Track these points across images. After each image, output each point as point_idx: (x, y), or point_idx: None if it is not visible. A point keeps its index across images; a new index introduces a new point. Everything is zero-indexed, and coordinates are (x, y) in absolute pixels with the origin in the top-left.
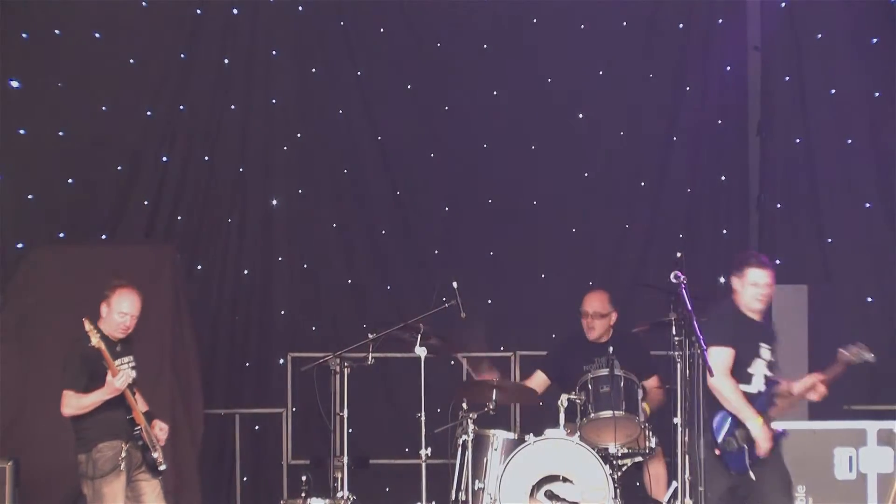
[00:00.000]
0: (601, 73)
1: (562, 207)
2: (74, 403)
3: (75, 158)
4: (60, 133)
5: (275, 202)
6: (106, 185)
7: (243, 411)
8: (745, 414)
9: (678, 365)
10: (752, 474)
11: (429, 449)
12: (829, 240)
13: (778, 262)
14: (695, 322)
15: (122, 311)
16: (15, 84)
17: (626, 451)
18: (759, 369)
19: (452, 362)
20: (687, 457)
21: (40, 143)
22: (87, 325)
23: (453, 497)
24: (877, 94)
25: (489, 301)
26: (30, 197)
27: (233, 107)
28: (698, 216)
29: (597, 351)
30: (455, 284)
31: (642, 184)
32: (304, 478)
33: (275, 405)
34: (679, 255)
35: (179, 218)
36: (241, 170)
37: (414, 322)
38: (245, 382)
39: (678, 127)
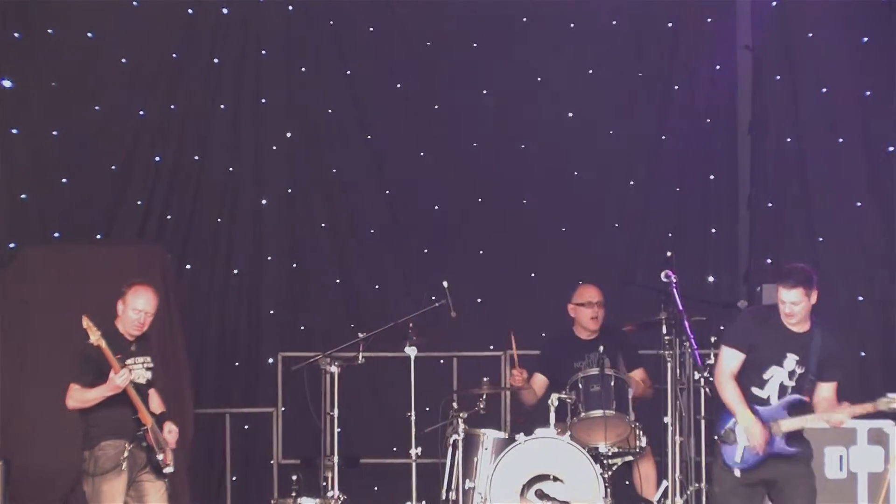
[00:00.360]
0: (591, 72)
1: (551, 206)
2: (77, 396)
3: (69, 158)
4: (54, 133)
5: (264, 202)
6: (100, 185)
7: (233, 411)
8: (736, 409)
9: (668, 364)
10: (736, 472)
11: (419, 448)
12: (820, 239)
13: (769, 261)
14: (685, 321)
15: (136, 308)
16: (8, 84)
17: (616, 450)
18: (775, 377)
19: (442, 361)
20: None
21: (34, 143)
22: (86, 323)
23: (443, 497)
24: (868, 94)
25: (479, 300)
26: (23, 197)
27: (222, 107)
28: (687, 215)
29: (587, 349)
30: (445, 284)
31: (631, 183)
32: (294, 477)
33: (264, 405)
34: (669, 254)
35: (169, 217)
36: (230, 169)
37: (404, 321)
38: (234, 382)
39: (667, 126)
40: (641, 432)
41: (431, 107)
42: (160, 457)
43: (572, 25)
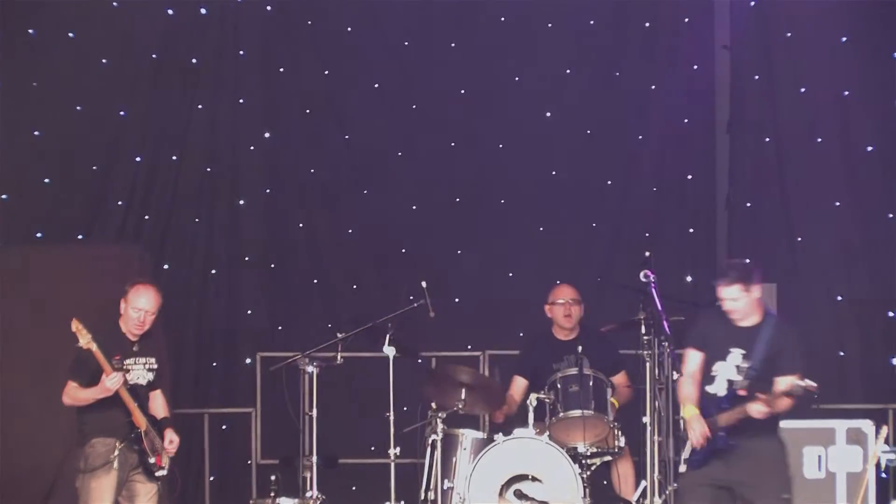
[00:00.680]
0: (568, 71)
1: (529, 206)
2: (72, 394)
3: (51, 158)
4: (36, 133)
5: (242, 202)
6: (82, 185)
7: (212, 411)
8: (682, 404)
9: (647, 364)
10: (682, 467)
11: (398, 448)
12: (799, 238)
13: (747, 260)
14: (664, 321)
15: (137, 307)
16: None
17: (594, 450)
18: (722, 372)
19: (420, 360)
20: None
21: (16, 143)
22: (75, 326)
23: (422, 497)
24: (846, 93)
25: (457, 300)
26: (3, 197)
27: (200, 106)
28: (665, 215)
29: (566, 349)
30: (424, 284)
31: (609, 182)
32: (272, 477)
33: (242, 405)
34: (648, 254)
35: (147, 217)
36: (208, 169)
37: (382, 322)
38: (212, 382)
39: (645, 125)
40: (620, 432)
41: (409, 107)
42: (152, 460)
43: (550, 25)
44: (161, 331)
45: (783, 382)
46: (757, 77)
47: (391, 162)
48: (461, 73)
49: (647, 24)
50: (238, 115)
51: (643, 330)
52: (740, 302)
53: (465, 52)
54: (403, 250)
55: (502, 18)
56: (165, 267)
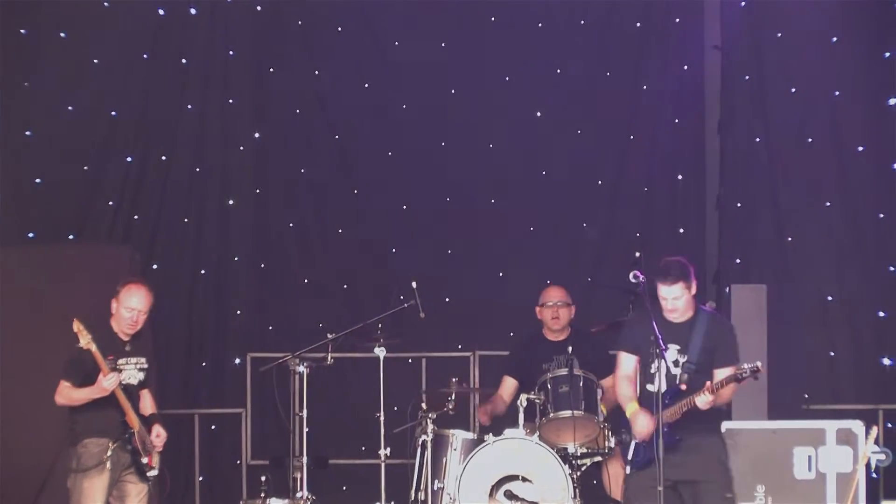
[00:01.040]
0: (559, 71)
1: (519, 206)
2: (66, 394)
3: (42, 158)
4: (27, 133)
5: (231, 202)
6: (73, 186)
7: (203, 412)
8: (624, 404)
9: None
10: (627, 469)
11: (388, 449)
12: (790, 238)
13: (738, 261)
14: (654, 322)
15: (129, 306)
16: None
17: (585, 450)
18: (661, 369)
19: (410, 360)
20: None
21: (7, 143)
22: (76, 327)
23: (412, 497)
24: (837, 94)
25: (447, 300)
26: None
27: (189, 106)
28: (656, 215)
29: (556, 350)
30: (414, 284)
31: (599, 182)
32: (263, 478)
33: (231, 405)
34: (638, 254)
35: (136, 217)
36: (197, 169)
37: (373, 322)
38: (201, 383)
39: (636, 126)
40: (610, 433)
41: (400, 106)
42: (144, 460)
43: (540, 25)
44: (150, 330)
45: (722, 375)
46: (748, 77)
47: (381, 162)
48: (451, 72)
49: (638, 25)
50: (228, 114)
51: None
52: (681, 300)
53: (456, 51)
54: (394, 250)
55: (493, 18)
56: (155, 267)
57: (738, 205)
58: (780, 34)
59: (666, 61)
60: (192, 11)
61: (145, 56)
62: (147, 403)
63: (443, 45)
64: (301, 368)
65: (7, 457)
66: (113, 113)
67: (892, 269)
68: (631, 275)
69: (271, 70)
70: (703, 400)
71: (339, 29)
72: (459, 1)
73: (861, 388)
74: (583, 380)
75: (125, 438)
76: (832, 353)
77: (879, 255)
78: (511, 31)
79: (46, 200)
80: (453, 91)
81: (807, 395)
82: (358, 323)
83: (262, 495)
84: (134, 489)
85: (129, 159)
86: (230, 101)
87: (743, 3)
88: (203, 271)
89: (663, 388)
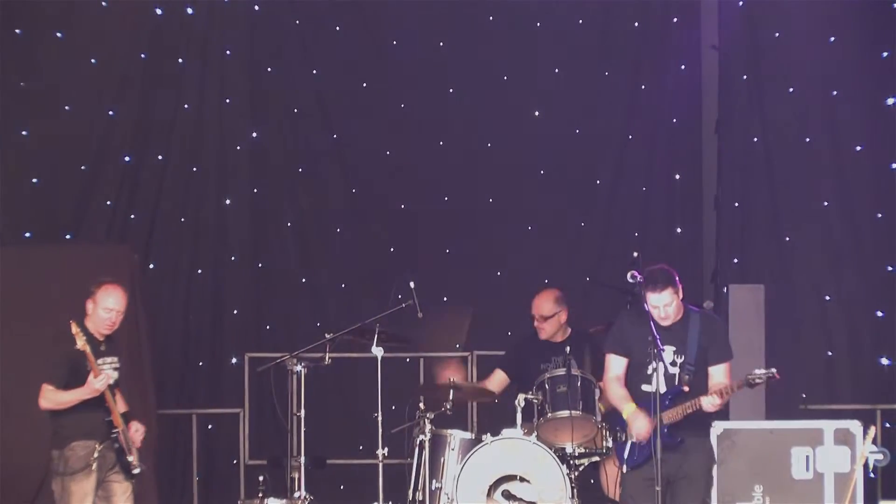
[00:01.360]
0: (557, 71)
1: (517, 205)
2: (52, 397)
3: (39, 158)
4: (24, 133)
5: (228, 201)
6: (70, 185)
7: (200, 412)
8: (620, 405)
9: None
10: (624, 468)
11: (386, 449)
12: (787, 238)
13: (736, 260)
14: (651, 322)
15: (107, 307)
16: None
17: (582, 450)
18: (658, 370)
19: (408, 360)
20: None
21: (4, 143)
22: (74, 328)
23: (410, 497)
24: (835, 93)
25: (445, 299)
26: None
27: (186, 106)
28: (653, 215)
29: (554, 350)
30: (412, 284)
31: (597, 182)
32: (260, 478)
33: (228, 405)
34: (636, 254)
35: (133, 217)
36: (194, 169)
37: (371, 322)
38: (198, 382)
39: (633, 125)
40: (608, 433)
41: (397, 106)
42: (130, 458)
43: (538, 24)
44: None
45: (718, 372)
46: (745, 77)
47: (379, 161)
48: (449, 72)
49: (636, 24)
50: (225, 114)
51: None
52: (672, 306)
53: (454, 51)
54: (392, 249)
55: (491, 18)
56: (152, 266)
57: (736, 204)
58: (777, 34)
59: (664, 61)
60: (189, 11)
61: (142, 56)
62: (120, 402)
63: (441, 44)
64: (299, 368)
65: (6, 456)
66: (110, 112)
67: (889, 268)
68: (629, 275)
69: (268, 69)
70: (710, 402)
71: (337, 28)
72: (457, 1)
73: (859, 388)
74: (581, 380)
75: (112, 438)
76: (830, 353)
77: (877, 254)
78: (509, 30)
79: (43, 200)
80: (451, 90)
81: (804, 395)
82: (356, 323)
83: (260, 495)
84: (119, 488)
85: (126, 159)
86: (227, 100)
87: (741, 3)
88: (200, 271)
89: (662, 388)
